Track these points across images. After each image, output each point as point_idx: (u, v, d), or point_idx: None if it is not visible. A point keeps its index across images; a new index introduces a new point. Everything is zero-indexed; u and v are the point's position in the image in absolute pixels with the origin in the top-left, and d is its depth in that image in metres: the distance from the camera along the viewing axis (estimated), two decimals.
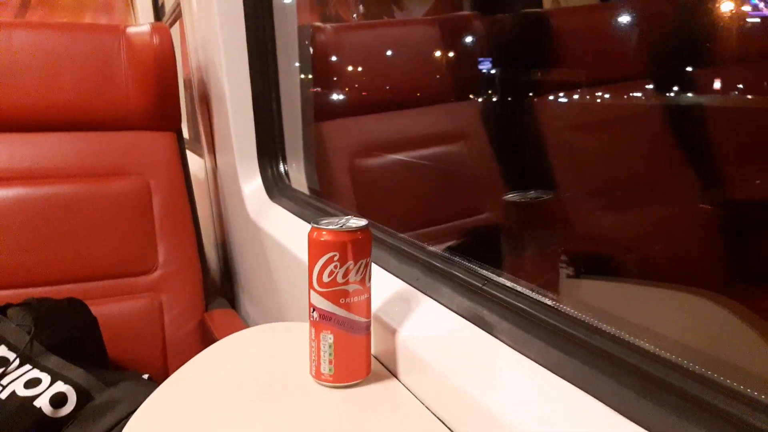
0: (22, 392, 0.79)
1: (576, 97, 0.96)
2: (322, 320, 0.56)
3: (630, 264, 0.77)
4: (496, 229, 1.14)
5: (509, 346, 0.47)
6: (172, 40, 1.29)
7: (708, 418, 0.33)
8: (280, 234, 0.99)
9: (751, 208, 0.67)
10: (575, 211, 0.90)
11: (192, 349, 1.15)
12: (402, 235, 0.74)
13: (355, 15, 1.73)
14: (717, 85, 0.70)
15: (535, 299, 0.49)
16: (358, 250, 0.55)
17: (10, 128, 1.20)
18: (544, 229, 0.91)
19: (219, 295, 1.38)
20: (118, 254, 1.17)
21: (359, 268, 0.55)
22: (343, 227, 0.55)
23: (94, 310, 1.02)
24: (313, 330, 0.57)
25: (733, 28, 0.61)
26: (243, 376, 0.61)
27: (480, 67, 1.21)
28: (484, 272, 0.56)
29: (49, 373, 0.82)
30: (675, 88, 0.82)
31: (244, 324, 1.19)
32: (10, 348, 0.84)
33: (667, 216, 0.77)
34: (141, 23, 1.31)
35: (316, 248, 0.55)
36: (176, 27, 1.94)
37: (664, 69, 0.82)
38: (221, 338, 0.71)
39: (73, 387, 0.81)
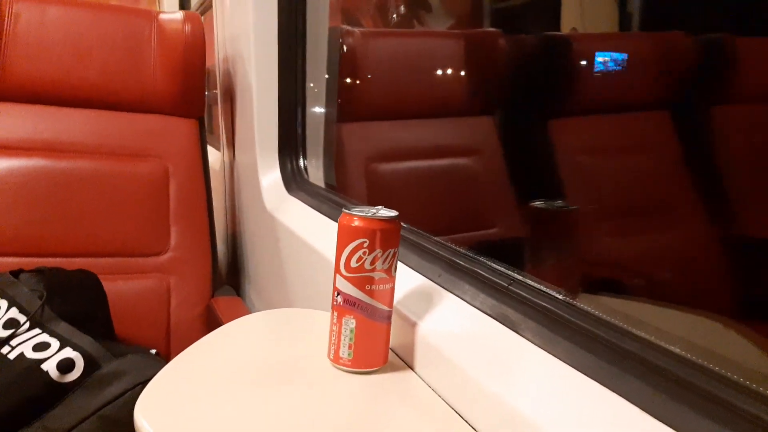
0: (31, 354, 0.79)
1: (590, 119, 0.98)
2: (346, 305, 0.56)
3: (640, 286, 0.78)
4: (506, 243, 1.15)
5: (534, 344, 0.48)
6: (203, 29, 1.31)
7: (735, 418, 0.34)
8: (296, 226, 1.00)
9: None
10: (593, 231, 0.92)
11: (197, 332, 1.15)
12: (426, 233, 0.75)
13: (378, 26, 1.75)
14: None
15: (563, 300, 0.50)
16: (386, 239, 0.56)
17: (36, 100, 1.22)
18: (555, 245, 0.92)
19: (225, 284, 1.38)
20: (132, 233, 1.18)
21: (387, 257, 0.56)
22: (375, 215, 0.56)
23: (104, 285, 1.02)
24: (335, 314, 0.57)
25: None
26: (255, 358, 0.61)
27: (500, 84, 1.23)
28: (511, 272, 0.57)
29: (58, 339, 0.82)
30: (692, 117, 0.83)
31: (250, 312, 1.20)
32: (21, 311, 0.85)
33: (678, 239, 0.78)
34: (169, 11, 1.34)
35: (346, 233, 0.56)
36: (202, 19, 1.96)
37: (683, 98, 0.84)
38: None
39: (81, 354, 0.81)
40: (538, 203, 0.94)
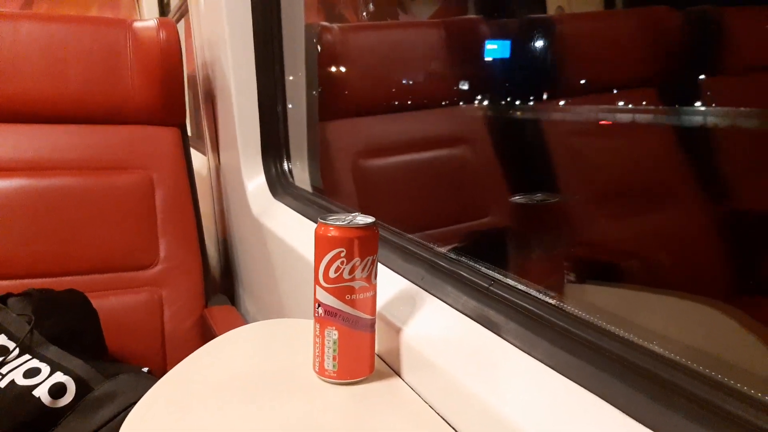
0: (22, 381, 0.79)
1: (580, 102, 0.97)
2: (327, 316, 0.56)
3: (633, 271, 0.77)
4: (500, 232, 1.14)
5: (515, 346, 0.47)
6: (178, 35, 1.29)
7: (717, 420, 0.33)
8: (283, 231, 0.99)
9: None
10: (579, 217, 0.91)
11: (191, 344, 1.15)
12: (408, 235, 0.74)
13: (360, 16, 1.73)
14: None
15: (543, 300, 0.49)
16: (364, 247, 0.55)
17: (14, 119, 1.20)
18: (547, 233, 0.91)
19: (219, 291, 1.38)
20: (120, 248, 1.17)
21: (365, 265, 0.55)
22: (351, 223, 0.55)
23: (95, 303, 1.02)
24: (317, 326, 0.57)
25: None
26: (244, 372, 0.61)
27: (484, 70, 1.22)
28: (491, 273, 0.56)
29: (48, 364, 0.81)
30: (682, 97, 0.82)
31: (244, 321, 1.19)
32: (10, 337, 0.84)
33: (671, 223, 0.77)
34: (146, 19, 1.32)
35: (323, 244, 0.55)
36: (181, 23, 1.95)
37: (672, 77, 0.83)
38: (221, 334, 0.71)
39: (73, 378, 0.80)
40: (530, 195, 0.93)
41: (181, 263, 1.21)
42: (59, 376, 0.80)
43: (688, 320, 0.56)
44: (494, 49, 1.15)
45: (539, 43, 1.04)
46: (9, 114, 1.20)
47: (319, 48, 1.26)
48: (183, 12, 1.87)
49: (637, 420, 0.36)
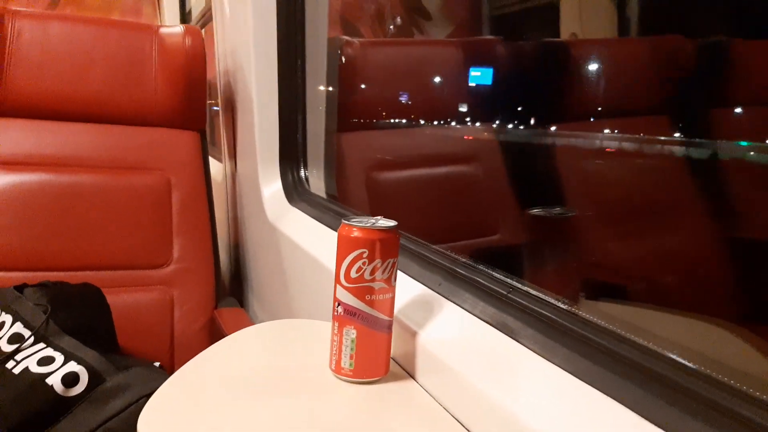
0: (36, 369, 0.80)
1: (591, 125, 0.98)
2: (346, 315, 0.57)
3: (643, 291, 0.78)
4: (509, 250, 1.15)
5: (533, 351, 0.48)
6: (203, 43, 1.32)
7: (734, 425, 0.34)
8: (298, 236, 1.00)
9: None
10: (593, 238, 0.92)
11: (200, 344, 1.15)
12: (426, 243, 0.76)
13: (377, 34, 1.76)
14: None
15: (562, 308, 0.50)
16: (386, 249, 0.56)
17: (39, 115, 1.23)
18: (557, 252, 0.92)
19: (228, 294, 1.39)
20: (134, 246, 1.19)
21: (386, 267, 0.56)
22: (374, 226, 0.56)
23: (107, 298, 1.03)
24: (336, 324, 0.58)
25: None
26: (258, 368, 0.61)
27: (499, 90, 1.24)
28: (510, 280, 0.57)
29: (62, 353, 0.83)
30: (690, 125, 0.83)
31: (253, 324, 1.20)
32: (26, 326, 0.85)
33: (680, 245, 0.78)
34: (167, 26, 1.35)
35: (346, 244, 0.56)
36: (203, 32, 1.98)
37: (681, 105, 0.85)
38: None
39: (86, 368, 0.81)
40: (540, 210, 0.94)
41: (194, 264, 1.22)
42: (72, 366, 0.81)
43: (697, 339, 0.57)
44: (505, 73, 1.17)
45: (552, 66, 1.06)
46: (34, 110, 1.22)
47: (342, 61, 1.29)
48: (207, 20, 1.91)
49: (654, 423, 0.37)
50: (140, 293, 1.17)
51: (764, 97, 0.72)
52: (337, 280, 0.57)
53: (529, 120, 1.12)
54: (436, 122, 1.37)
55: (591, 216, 0.94)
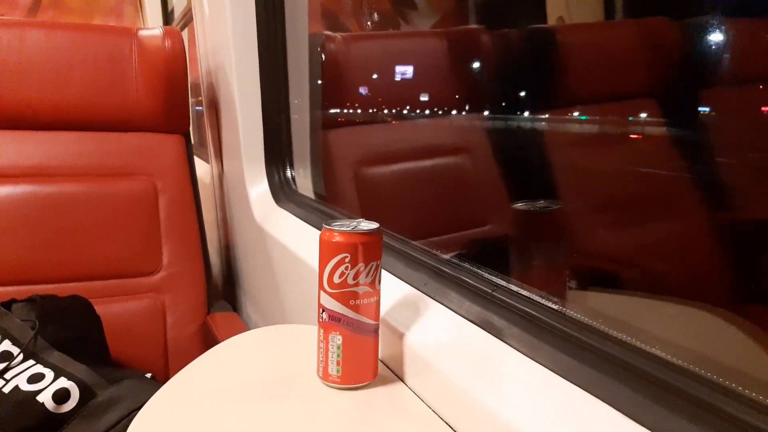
0: (26, 387, 0.79)
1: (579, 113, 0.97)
2: (331, 321, 0.56)
3: (635, 278, 0.78)
4: (501, 241, 1.14)
5: (519, 350, 0.48)
6: (183, 44, 1.30)
7: (719, 422, 0.34)
8: (285, 238, 1.00)
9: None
10: (580, 225, 0.91)
11: (194, 350, 1.15)
12: (411, 242, 0.75)
13: (363, 26, 1.74)
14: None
15: (546, 306, 0.49)
16: (368, 253, 0.55)
17: (20, 125, 1.21)
18: (548, 242, 0.91)
19: (221, 298, 1.38)
20: (123, 254, 1.17)
21: (369, 270, 0.56)
22: (355, 229, 0.55)
23: (98, 309, 1.02)
24: (321, 331, 0.57)
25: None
26: (248, 377, 0.61)
27: (485, 80, 1.22)
28: (494, 278, 0.57)
29: (52, 369, 0.82)
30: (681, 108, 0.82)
31: (247, 327, 1.19)
32: (15, 343, 0.84)
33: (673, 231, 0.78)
34: (150, 27, 1.33)
35: (327, 249, 0.56)
36: (185, 31, 1.96)
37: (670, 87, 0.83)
38: (224, 341, 0.71)
39: (76, 383, 0.81)
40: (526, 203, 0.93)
41: (184, 270, 1.21)
42: (63, 382, 0.80)
43: (689, 326, 0.56)
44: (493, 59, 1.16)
45: (541, 53, 1.05)
46: (14, 121, 1.20)
47: (322, 57, 1.27)
48: (187, 20, 1.89)
49: (639, 423, 0.37)
50: (131, 302, 1.16)
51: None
52: (321, 286, 0.56)
53: (518, 108, 1.11)
54: (423, 113, 1.36)
55: (579, 204, 0.93)
